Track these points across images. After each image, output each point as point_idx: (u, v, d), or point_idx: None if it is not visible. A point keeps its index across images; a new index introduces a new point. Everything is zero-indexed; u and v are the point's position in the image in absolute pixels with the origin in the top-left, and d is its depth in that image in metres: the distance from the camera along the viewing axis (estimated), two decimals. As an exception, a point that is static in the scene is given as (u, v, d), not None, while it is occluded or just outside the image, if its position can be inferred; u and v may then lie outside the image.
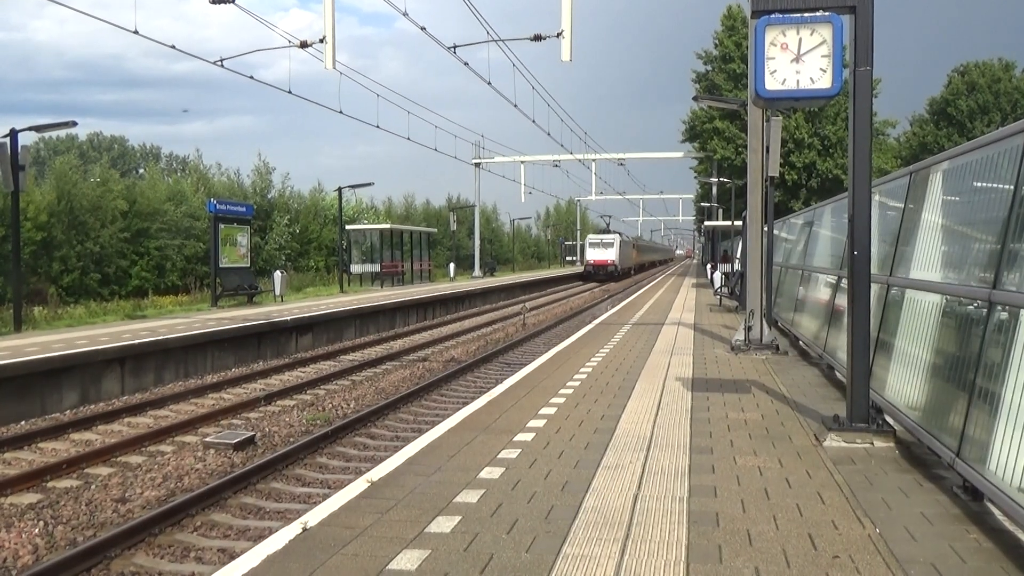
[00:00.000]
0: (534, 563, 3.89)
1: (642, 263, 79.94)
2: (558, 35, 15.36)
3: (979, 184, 5.27)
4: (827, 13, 5.97)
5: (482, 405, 7.98)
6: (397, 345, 19.63)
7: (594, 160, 50.93)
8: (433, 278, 44.65)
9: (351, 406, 12.03)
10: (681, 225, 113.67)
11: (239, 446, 9.34)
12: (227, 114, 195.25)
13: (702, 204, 54.08)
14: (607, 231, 62.70)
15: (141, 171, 72.96)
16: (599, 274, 56.24)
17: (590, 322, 18.58)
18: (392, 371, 15.53)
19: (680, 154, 48.07)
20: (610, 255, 56.21)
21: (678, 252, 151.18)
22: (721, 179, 37.98)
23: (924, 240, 6.39)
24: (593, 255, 57.15)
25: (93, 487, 7.94)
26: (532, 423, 7.05)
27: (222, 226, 24.23)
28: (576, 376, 9.73)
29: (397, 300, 25.27)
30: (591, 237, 59.95)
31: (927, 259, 6.27)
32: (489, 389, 9.45)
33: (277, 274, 27.67)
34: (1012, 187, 4.53)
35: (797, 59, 5.98)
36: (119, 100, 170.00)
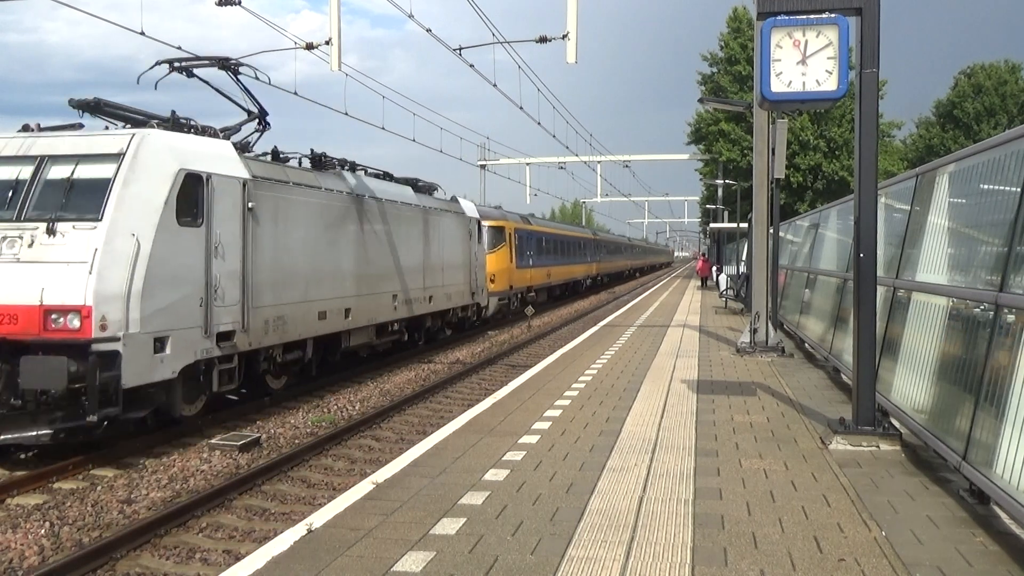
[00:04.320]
0: (539, 565, 3.89)
1: (560, 282, 33.81)
2: (564, 37, 15.34)
3: (986, 187, 5.26)
4: (833, 15, 5.97)
5: (487, 407, 7.98)
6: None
7: (599, 162, 50.76)
8: (438, 280, 44.47)
9: (356, 408, 12.04)
10: (687, 227, 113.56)
11: (244, 447, 9.35)
12: (234, 115, 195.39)
13: (707, 206, 54.01)
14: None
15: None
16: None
17: (596, 324, 18.57)
18: (397, 373, 15.54)
19: (685, 156, 47.99)
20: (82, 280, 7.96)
21: (681, 254, 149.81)
22: (726, 181, 37.94)
23: (930, 243, 6.38)
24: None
25: (99, 488, 7.95)
26: (537, 425, 7.05)
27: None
28: (581, 378, 9.73)
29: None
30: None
31: (933, 262, 6.25)
32: (494, 391, 9.45)
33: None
34: (1019, 189, 4.52)
35: (803, 61, 5.97)
36: (129, 102, 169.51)
